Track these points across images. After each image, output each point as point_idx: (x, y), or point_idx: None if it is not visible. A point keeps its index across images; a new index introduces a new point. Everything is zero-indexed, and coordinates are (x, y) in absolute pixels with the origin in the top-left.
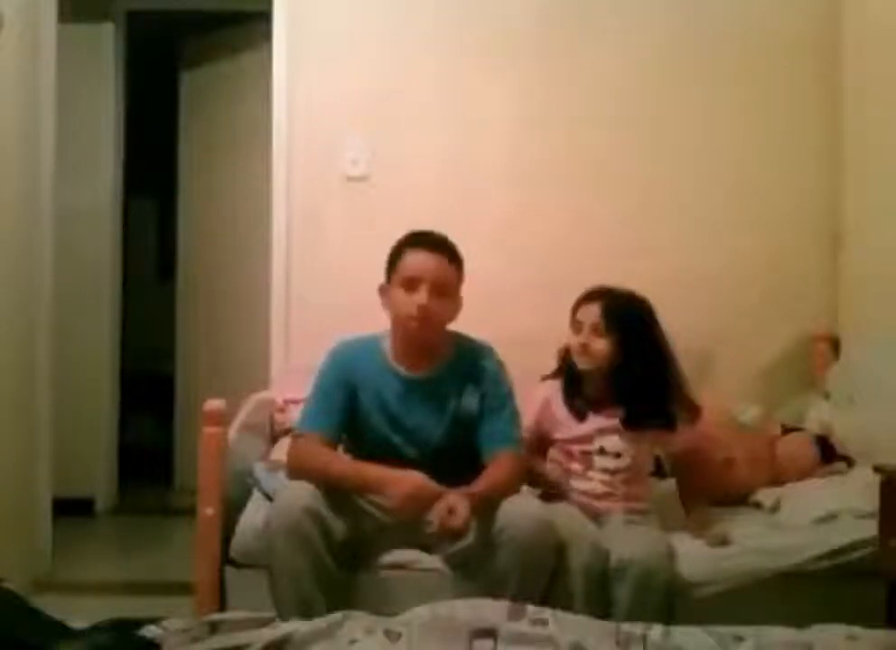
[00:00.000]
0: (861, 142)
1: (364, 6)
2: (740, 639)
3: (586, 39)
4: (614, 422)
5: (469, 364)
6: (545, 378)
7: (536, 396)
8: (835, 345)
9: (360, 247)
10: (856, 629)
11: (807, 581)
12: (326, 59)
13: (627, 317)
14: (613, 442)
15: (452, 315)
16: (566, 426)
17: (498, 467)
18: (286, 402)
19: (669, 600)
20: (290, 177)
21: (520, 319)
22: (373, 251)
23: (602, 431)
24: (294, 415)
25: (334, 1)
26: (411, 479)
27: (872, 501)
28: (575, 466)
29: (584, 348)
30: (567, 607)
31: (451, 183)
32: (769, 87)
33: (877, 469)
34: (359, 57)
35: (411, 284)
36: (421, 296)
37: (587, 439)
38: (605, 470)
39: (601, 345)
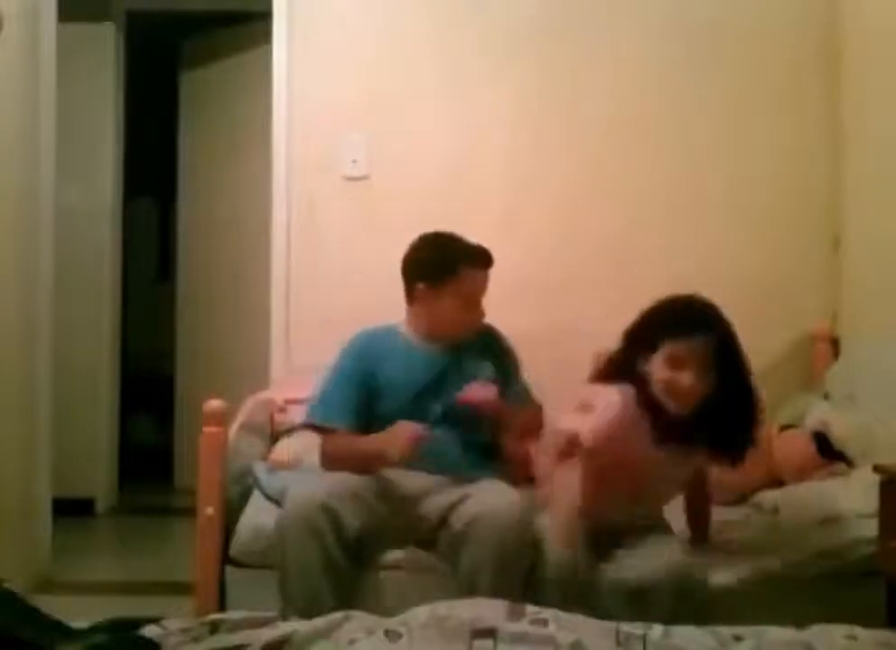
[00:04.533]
0: (861, 142)
1: (364, 7)
2: (740, 639)
3: (585, 40)
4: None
5: (482, 341)
6: (594, 380)
7: (612, 399)
8: (835, 345)
9: (360, 247)
10: (856, 629)
11: (808, 581)
12: (326, 59)
13: (735, 353)
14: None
15: None
16: (641, 451)
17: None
18: (286, 402)
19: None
20: (290, 177)
21: (517, 319)
22: (373, 251)
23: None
24: (294, 415)
25: (334, 1)
26: (402, 427)
27: (872, 502)
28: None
29: (691, 389)
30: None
31: (450, 183)
32: (768, 87)
33: (877, 469)
34: (359, 57)
35: (469, 301)
36: (480, 311)
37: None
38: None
39: (705, 386)
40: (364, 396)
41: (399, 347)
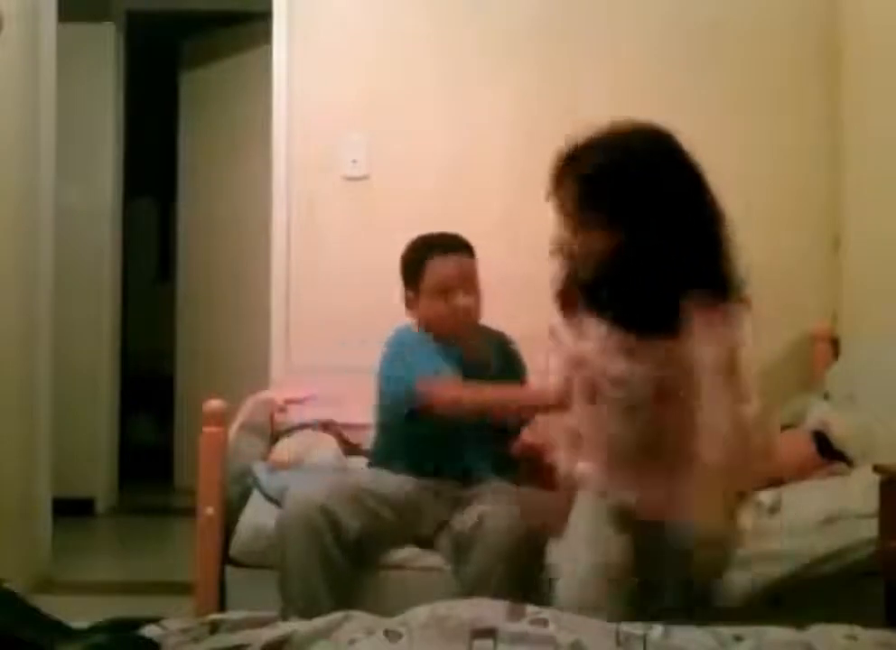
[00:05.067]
0: (861, 142)
1: (364, 6)
2: (740, 639)
3: (585, 40)
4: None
5: (497, 350)
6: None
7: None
8: (835, 345)
9: (360, 247)
10: (856, 629)
11: (808, 581)
12: (326, 59)
13: (619, 187)
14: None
15: (481, 307)
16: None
17: None
18: (286, 401)
19: None
20: (290, 177)
21: (517, 318)
22: (373, 251)
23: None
24: (294, 415)
25: (334, 1)
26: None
27: (872, 502)
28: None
29: (580, 249)
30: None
31: (450, 183)
32: (768, 87)
33: (877, 469)
34: (359, 57)
35: (445, 292)
36: (460, 301)
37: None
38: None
39: (595, 246)
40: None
41: (425, 340)
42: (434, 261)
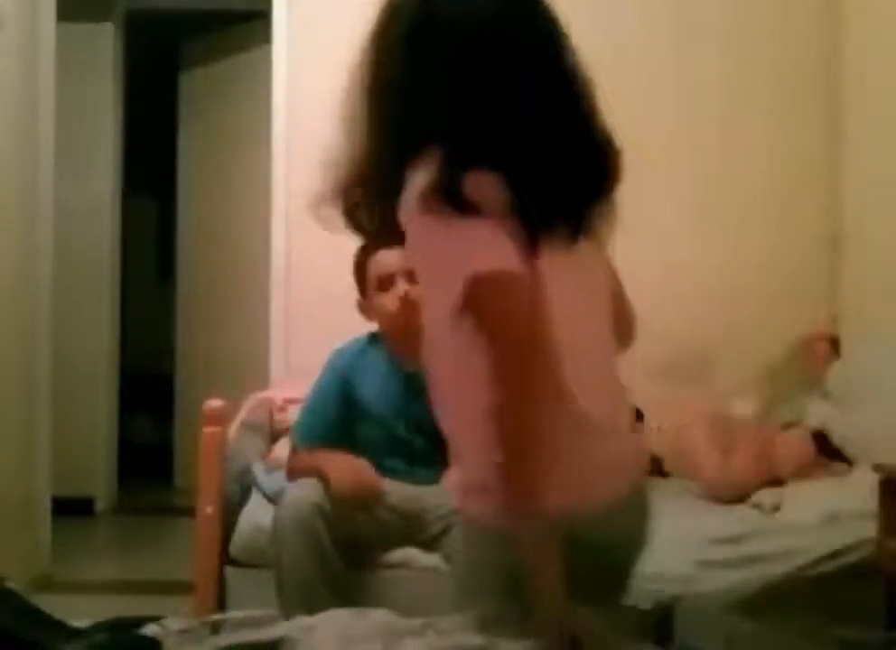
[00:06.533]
0: (861, 142)
1: (363, 5)
2: None
3: (585, 37)
4: None
5: None
6: None
7: None
8: (835, 345)
9: None
10: None
11: (808, 581)
12: (325, 58)
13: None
14: None
15: None
16: None
17: None
18: (286, 401)
19: None
20: (289, 176)
21: None
22: None
23: None
24: (294, 415)
25: (333, 0)
26: (352, 464)
27: (872, 502)
28: None
29: None
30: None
31: None
32: (769, 87)
33: (877, 469)
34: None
35: (385, 284)
36: (399, 288)
37: None
38: None
39: None
40: (343, 413)
41: (376, 362)
42: (373, 256)
